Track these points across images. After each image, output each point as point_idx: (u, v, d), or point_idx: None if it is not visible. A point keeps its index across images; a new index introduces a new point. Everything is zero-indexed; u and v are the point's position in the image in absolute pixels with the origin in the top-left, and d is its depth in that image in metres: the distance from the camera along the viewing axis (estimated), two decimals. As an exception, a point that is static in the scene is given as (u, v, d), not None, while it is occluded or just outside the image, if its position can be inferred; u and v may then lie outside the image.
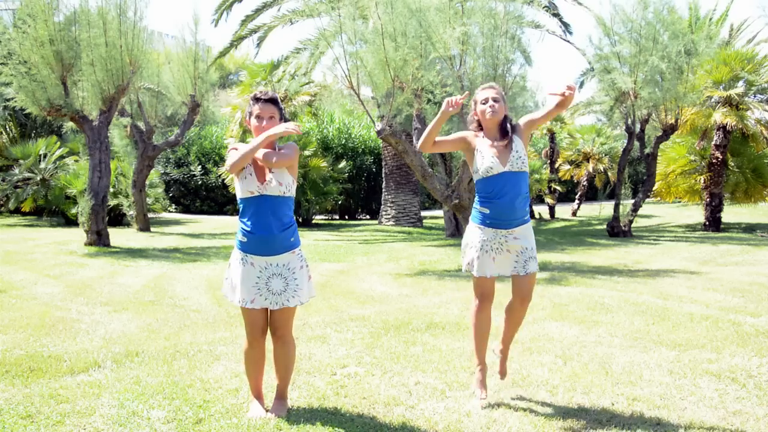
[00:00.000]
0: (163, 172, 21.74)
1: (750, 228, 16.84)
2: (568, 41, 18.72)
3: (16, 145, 19.15)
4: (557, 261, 10.11)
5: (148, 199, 16.76)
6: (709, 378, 4.07)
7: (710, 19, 16.08)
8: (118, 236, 13.38)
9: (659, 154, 15.94)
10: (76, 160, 18.25)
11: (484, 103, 3.68)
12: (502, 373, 3.93)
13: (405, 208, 17.96)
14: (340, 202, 20.23)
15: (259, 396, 3.54)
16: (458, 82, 10.19)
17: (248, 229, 3.32)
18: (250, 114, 3.37)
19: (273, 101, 3.37)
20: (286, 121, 3.47)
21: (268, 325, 3.47)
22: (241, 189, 3.34)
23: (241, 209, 3.39)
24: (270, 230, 3.30)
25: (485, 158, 3.63)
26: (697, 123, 16.26)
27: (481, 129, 3.75)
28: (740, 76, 15.94)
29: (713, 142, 16.43)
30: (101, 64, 11.28)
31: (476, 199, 3.73)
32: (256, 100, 3.36)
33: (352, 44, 9.71)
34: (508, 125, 3.69)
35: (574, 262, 9.92)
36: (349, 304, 6.61)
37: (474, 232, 3.71)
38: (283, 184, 3.33)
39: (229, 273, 3.46)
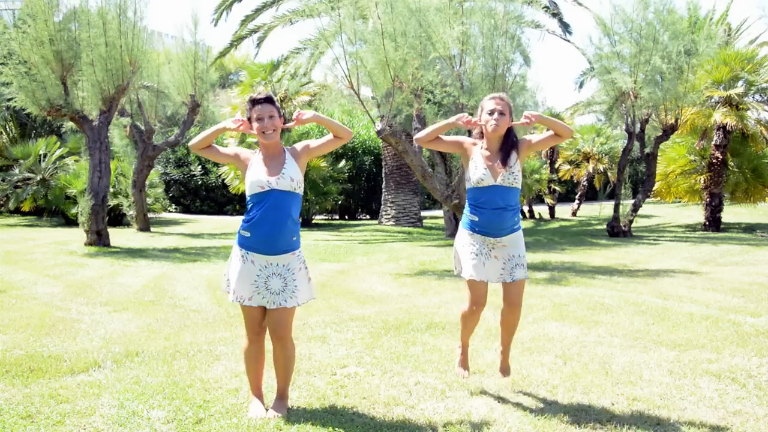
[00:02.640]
0: (163, 172, 21.74)
1: (750, 228, 16.83)
2: (568, 41, 18.73)
3: (16, 145, 19.16)
4: (557, 261, 10.11)
5: (148, 199, 16.76)
6: (709, 378, 4.07)
7: (710, 19, 16.07)
8: (118, 236, 13.38)
9: (659, 154, 15.94)
10: (76, 160, 18.26)
11: (489, 114, 3.69)
12: (504, 371, 4.00)
13: (405, 208, 17.96)
14: (340, 202, 20.23)
15: (259, 395, 3.54)
16: (458, 82, 10.19)
17: (254, 224, 3.32)
18: (250, 118, 3.40)
19: (269, 100, 3.41)
20: (285, 118, 3.52)
21: (267, 327, 3.47)
22: (250, 184, 3.35)
23: (248, 206, 3.39)
24: (276, 227, 3.31)
25: (478, 169, 3.69)
26: (697, 123, 16.25)
27: (482, 137, 3.79)
28: (740, 76, 15.93)
29: (713, 142, 16.42)
30: (101, 64, 11.28)
31: (467, 205, 3.80)
32: (254, 102, 3.40)
33: (352, 44, 9.72)
34: (511, 140, 3.72)
35: (574, 262, 9.92)
36: (349, 304, 6.60)
37: (464, 237, 3.80)
38: (295, 180, 3.36)
39: (228, 270, 3.46)
